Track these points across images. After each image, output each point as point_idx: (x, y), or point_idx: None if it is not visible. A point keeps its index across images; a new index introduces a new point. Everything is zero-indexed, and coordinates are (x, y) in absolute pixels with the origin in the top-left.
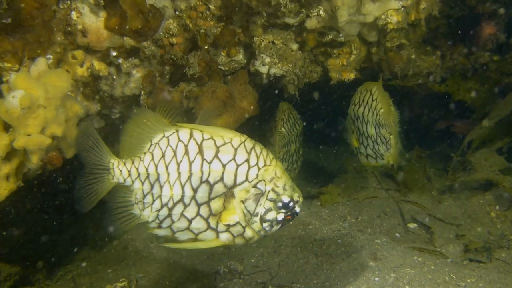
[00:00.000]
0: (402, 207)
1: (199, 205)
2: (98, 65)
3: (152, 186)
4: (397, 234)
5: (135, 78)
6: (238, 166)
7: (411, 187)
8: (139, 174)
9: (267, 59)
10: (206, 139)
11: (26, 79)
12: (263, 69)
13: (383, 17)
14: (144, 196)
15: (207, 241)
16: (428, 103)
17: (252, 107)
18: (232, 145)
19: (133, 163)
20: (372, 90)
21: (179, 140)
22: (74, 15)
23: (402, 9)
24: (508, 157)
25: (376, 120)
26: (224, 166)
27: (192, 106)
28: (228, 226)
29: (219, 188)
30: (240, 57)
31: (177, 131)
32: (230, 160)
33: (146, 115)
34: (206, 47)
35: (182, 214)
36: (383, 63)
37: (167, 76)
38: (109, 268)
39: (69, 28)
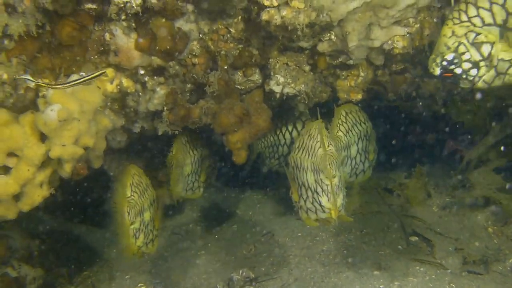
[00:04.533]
0: (404, 221)
1: None
2: (127, 82)
3: None
4: (400, 247)
5: (159, 95)
6: None
7: (413, 203)
8: None
9: (281, 79)
10: None
11: (62, 94)
12: (277, 89)
13: (389, 42)
14: None
15: None
16: (432, 124)
17: (266, 124)
18: None
19: None
20: (311, 131)
21: None
22: (107, 36)
23: (408, 35)
24: (505, 176)
25: (314, 163)
26: None
27: (210, 122)
28: None
29: None
30: (256, 77)
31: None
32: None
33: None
34: (226, 67)
35: None
36: (389, 85)
37: (188, 94)
38: (126, 275)
39: (102, 48)
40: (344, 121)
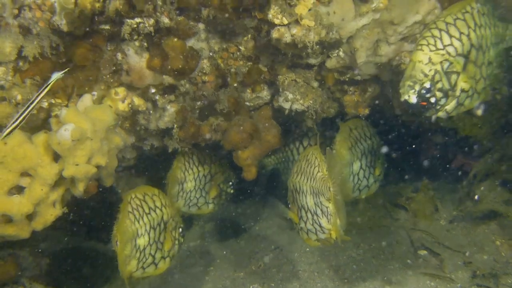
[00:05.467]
0: (412, 235)
1: None
2: (138, 101)
3: None
4: (409, 261)
5: (169, 112)
6: None
7: (420, 216)
8: None
9: (290, 96)
10: None
11: (76, 114)
12: (286, 105)
13: (397, 58)
14: None
15: None
16: (439, 138)
17: (276, 140)
18: None
19: None
20: (308, 156)
21: None
22: (119, 55)
23: None
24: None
25: (313, 187)
26: None
27: (220, 139)
28: None
29: None
30: (265, 93)
31: None
32: None
33: None
34: (235, 84)
35: None
36: (395, 100)
37: (197, 111)
38: None
39: (114, 67)
40: (348, 137)
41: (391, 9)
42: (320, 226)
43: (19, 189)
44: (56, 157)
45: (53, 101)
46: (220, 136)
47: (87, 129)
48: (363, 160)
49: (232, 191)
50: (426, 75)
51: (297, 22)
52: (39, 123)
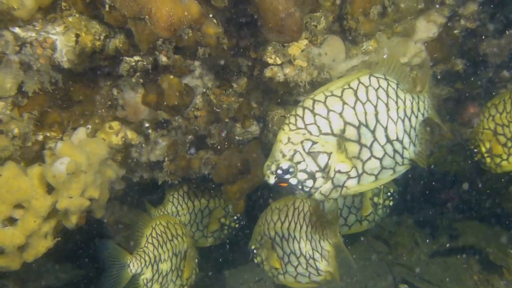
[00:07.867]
0: (393, 269)
1: None
2: (131, 135)
3: None
4: None
5: (161, 146)
6: None
7: (401, 250)
8: None
9: None
10: None
11: (71, 147)
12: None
13: None
14: None
15: None
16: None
17: None
18: None
19: None
20: (295, 205)
21: None
22: (115, 91)
23: None
24: (489, 224)
25: (312, 233)
26: None
27: (209, 172)
28: None
29: None
30: (254, 128)
31: None
32: None
33: None
34: (227, 120)
35: None
36: None
37: (188, 145)
38: None
39: (110, 102)
40: None
41: (380, 51)
42: (317, 269)
43: (12, 221)
44: (50, 189)
45: (48, 134)
46: (210, 169)
47: (82, 163)
48: (340, 199)
49: (237, 225)
50: (284, 155)
51: (290, 62)
52: (33, 156)
